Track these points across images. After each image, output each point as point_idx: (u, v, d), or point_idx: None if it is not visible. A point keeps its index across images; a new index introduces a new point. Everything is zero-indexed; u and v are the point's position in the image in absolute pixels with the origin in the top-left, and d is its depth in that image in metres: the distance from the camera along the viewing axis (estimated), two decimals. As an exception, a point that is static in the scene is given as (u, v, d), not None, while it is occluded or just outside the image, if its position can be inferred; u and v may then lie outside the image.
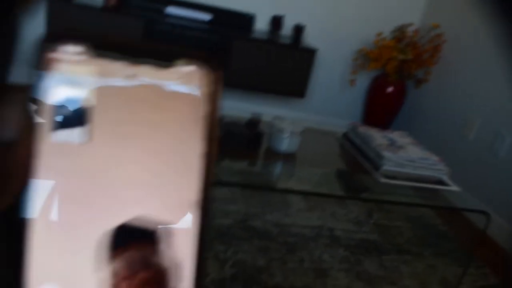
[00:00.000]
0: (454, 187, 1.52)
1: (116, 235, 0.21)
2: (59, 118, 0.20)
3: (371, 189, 1.34)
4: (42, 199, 0.19)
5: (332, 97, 3.07)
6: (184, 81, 0.22)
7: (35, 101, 0.19)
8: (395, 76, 2.92)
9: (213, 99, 0.22)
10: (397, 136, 1.66)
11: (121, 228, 0.21)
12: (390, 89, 3.02)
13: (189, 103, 0.22)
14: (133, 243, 0.21)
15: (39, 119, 0.19)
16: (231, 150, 1.33)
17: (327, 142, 1.73)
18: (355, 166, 1.49)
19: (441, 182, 1.52)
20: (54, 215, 0.20)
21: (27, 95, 0.19)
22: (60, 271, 0.20)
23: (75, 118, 0.20)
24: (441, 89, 2.83)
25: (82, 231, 0.20)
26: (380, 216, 2.18)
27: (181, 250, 0.21)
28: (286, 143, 1.34)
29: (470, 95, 2.56)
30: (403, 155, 1.46)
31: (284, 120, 1.40)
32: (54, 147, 0.20)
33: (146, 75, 0.21)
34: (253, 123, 1.44)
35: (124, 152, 0.21)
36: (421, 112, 2.99)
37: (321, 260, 1.66)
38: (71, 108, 0.20)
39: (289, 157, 1.39)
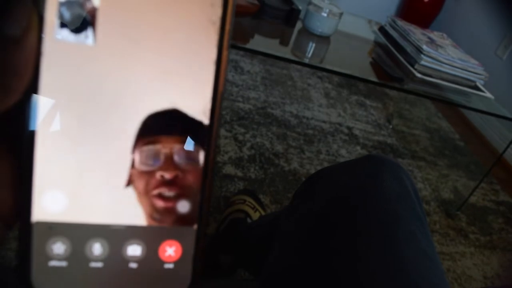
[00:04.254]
0: (488, 94, 1.45)
1: (148, 123, 0.20)
2: (64, 16, 0.19)
3: (404, 82, 1.28)
4: (49, 107, 0.19)
5: (366, -3, 2.89)
6: None
7: None
8: (436, -18, 2.73)
9: (227, 2, 0.21)
10: (436, 36, 1.56)
11: (155, 116, 0.19)
12: (427, -4, 2.83)
13: (202, 6, 0.20)
14: (164, 135, 0.20)
15: (44, 15, 0.18)
16: (264, 24, 1.25)
17: (362, 34, 1.63)
18: (390, 60, 1.41)
19: (475, 88, 1.45)
20: (59, 124, 0.19)
21: None
22: (67, 178, 0.20)
23: (81, 17, 0.19)
24: (479, 5, 2.65)
25: (90, 138, 0.20)
26: (399, 122, 2.14)
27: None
28: (322, 24, 1.25)
29: (508, 16, 2.40)
30: (443, 53, 1.37)
31: (322, 1, 1.30)
32: (59, 47, 0.19)
33: None
34: (290, 0, 1.34)
35: (132, 56, 0.20)
36: (455, 26, 2.84)
37: (338, 154, 1.65)
38: (76, 7, 0.19)
39: (323, 40, 1.31)
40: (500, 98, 1.52)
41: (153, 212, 0.21)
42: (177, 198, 0.21)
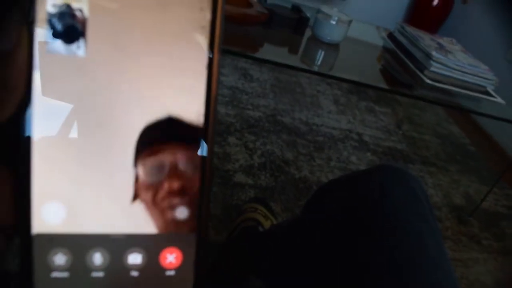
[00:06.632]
0: (499, 99, 1.45)
1: (146, 134, 0.20)
2: (55, 27, 0.19)
3: (414, 88, 1.28)
4: (43, 119, 0.19)
5: (374, 3, 2.89)
6: None
7: (30, 9, 0.18)
8: (443, -14, 2.72)
9: (216, 6, 0.21)
10: (446, 42, 1.56)
11: (152, 127, 0.20)
12: (436, 2, 2.82)
13: (191, 11, 0.20)
14: (164, 144, 0.20)
15: (34, 28, 0.18)
16: (273, 32, 1.26)
17: (371, 40, 1.63)
18: (399, 66, 1.41)
19: (486, 93, 1.45)
20: (55, 136, 0.19)
21: (22, 3, 0.18)
22: (66, 190, 0.20)
23: (71, 29, 0.19)
24: (487, 9, 2.64)
25: (87, 149, 0.20)
26: (409, 128, 2.13)
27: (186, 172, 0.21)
28: (331, 31, 1.26)
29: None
30: (452, 59, 1.37)
31: (331, 9, 1.31)
32: (51, 59, 0.19)
33: None
34: (298, 8, 1.35)
35: (124, 65, 0.20)
36: (464, 31, 2.82)
37: (348, 161, 1.65)
38: (67, 18, 0.19)
39: (332, 48, 1.31)
40: (509, 101, 1.51)
41: (165, 223, 0.21)
42: (183, 205, 0.22)
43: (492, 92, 1.47)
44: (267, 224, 1.04)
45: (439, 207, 1.63)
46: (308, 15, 1.34)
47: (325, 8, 1.28)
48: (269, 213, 1.10)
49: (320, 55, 1.30)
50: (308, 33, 1.34)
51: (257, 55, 1.17)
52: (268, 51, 1.22)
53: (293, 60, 1.22)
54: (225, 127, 1.54)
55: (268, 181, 1.37)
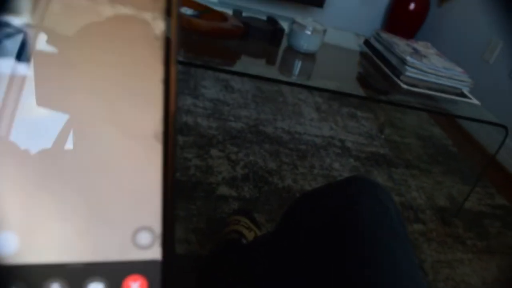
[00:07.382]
0: (474, 100, 1.48)
1: None
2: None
3: (391, 94, 1.30)
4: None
5: (352, 10, 2.93)
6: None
7: None
8: (419, -9, 2.78)
9: (170, 15, 0.19)
10: (421, 46, 1.59)
11: None
12: (412, 6, 2.88)
13: (143, 21, 0.19)
14: None
15: None
16: (250, 45, 1.27)
17: (348, 48, 1.66)
18: (376, 72, 1.43)
19: (462, 95, 1.47)
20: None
21: None
22: (18, 217, 0.19)
23: (13, 44, 0.17)
24: (464, 10, 2.69)
25: (41, 172, 0.19)
26: (391, 132, 2.16)
27: (145, 191, 0.20)
28: (307, 41, 1.28)
29: (493, 19, 2.44)
30: (427, 63, 1.40)
31: (306, 18, 1.33)
32: None
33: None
34: (274, 20, 1.36)
35: (72, 84, 0.18)
36: (441, 33, 2.87)
37: (332, 168, 1.66)
38: (8, 33, 0.17)
39: (308, 57, 1.33)
40: (488, 101, 1.54)
41: None
42: None
43: (468, 94, 1.49)
44: (250, 235, 1.04)
45: (423, 209, 1.65)
46: (285, 25, 1.36)
47: (299, 19, 1.29)
48: (253, 224, 1.10)
49: (297, 66, 1.31)
50: (284, 44, 1.36)
51: (235, 68, 1.18)
52: (246, 64, 1.23)
53: (271, 72, 1.24)
54: (207, 139, 1.55)
55: (252, 192, 1.38)
